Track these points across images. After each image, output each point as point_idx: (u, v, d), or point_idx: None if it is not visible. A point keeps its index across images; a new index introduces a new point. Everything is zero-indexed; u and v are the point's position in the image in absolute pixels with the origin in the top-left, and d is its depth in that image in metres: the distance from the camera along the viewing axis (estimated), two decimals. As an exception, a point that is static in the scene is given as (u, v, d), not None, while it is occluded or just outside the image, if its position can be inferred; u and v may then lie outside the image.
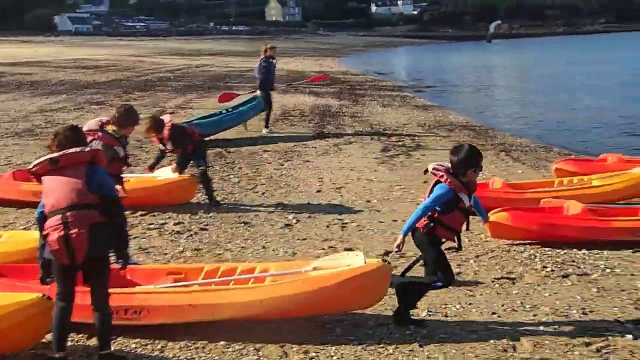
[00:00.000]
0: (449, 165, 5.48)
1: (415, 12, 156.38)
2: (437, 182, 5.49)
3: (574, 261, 7.46)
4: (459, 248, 5.80)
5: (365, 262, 5.42)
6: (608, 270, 7.12)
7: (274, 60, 15.99)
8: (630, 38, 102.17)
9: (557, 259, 7.42)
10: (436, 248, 5.58)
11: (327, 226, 8.79)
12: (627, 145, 15.41)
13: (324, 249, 7.86)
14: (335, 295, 5.41)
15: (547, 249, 7.71)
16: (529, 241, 7.99)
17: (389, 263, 5.69)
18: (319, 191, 10.74)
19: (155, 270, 6.31)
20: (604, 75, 38.20)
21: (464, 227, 5.70)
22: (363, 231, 8.60)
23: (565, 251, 7.73)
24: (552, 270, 7.08)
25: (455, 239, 5.67)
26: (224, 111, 16.40)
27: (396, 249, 5.50)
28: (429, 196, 5.51)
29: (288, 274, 5.76)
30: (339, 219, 9.07)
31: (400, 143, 15.03)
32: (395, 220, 8.95)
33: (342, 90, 28.24)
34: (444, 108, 23.22)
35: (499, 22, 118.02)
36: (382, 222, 8.97)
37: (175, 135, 9.35)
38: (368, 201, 10.07)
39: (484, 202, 6.39)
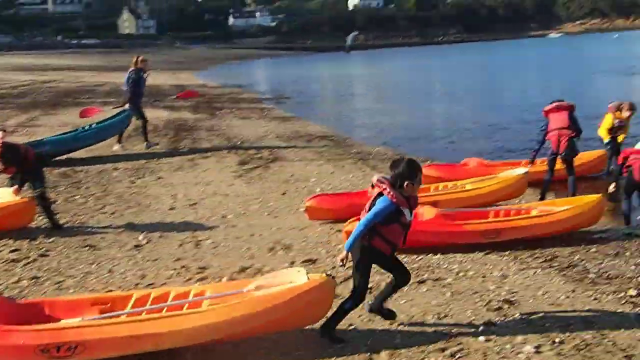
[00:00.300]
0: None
1: (273, 24, 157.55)
2: (379, 194, 5.40)
3: (429, 266, 7.52)
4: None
5: (308, 278, 5.33)
6: (462, 274, 7.22)
7: (145, 74, 15.36)
8: (477, 47, 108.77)
9: (414, 265, 7.42)
10: (369, 264, 5.53)
11: (180, 245, 8.39)
12: (479, 149, 16.00)
13: (176, 269, 7.49)
14: (285, 314, 5.26)
15: (403, 255, 7.72)
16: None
17: (333, 277, 5.55)
18: (172, 208, 10.25)
19: (77, 301, 5.78)
20: (456, 82, 40.10)
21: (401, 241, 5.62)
22: (218, 248, 8.27)
23: (421, 257, 7.80)
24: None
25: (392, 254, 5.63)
26: (83, 128, 15.54)
27: (340, 264, 5.40)
28: (369, 209, 5.41)
29: (230, 295, 5.50)
30: (193, 237, 8.69)
31: (258, 156, 14.76)
32: (252, 235, 8.70)
33: (199, 104, 27.51)
34: (303, 119, 23.23)
35: (357, 33, 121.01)
36: (239, 237, 8.67)
37: (5, 154, 8.59)
38: (224, 217, 9.72)
39: (359, 210, 6.31)
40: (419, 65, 64.62)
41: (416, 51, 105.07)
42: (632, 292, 6.58)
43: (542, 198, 10.47)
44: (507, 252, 7.93)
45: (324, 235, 8.78)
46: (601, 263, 7.54)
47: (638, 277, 7.05)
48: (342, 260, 5.36)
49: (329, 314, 5.54)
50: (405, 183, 5.35)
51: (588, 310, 6.14)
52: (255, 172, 12.98)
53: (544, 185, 10.73)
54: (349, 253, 5.35)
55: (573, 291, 6.64)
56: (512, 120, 21.62)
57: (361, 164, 13.91)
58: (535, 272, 7.24)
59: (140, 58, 15.28)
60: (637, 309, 6.17)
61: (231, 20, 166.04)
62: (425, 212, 8.67)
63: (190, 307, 5.43)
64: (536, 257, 7.78)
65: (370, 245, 5.43)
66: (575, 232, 8.69)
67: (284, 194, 11.14)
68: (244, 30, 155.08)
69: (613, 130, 11.83)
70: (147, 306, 5.50)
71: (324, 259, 7.77)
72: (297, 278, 5.39)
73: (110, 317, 5.36)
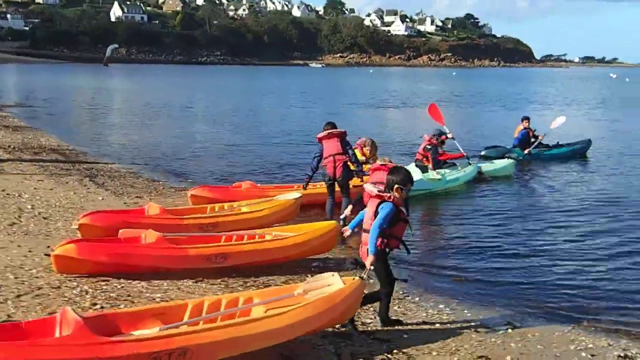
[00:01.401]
0: (381, 187, 6.39)
1: (27, 28, 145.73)
2: (381, 202, 6.28)
3: (129, 295, 6.73)
4: (407, 252, 6.56)
5: (343, 282, 6.16)
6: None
7: None
8: (242, 70, 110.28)
9: (112, 294, 6.63)
10: (385, 262, 6.47)
11: None
12: (222, 172, 15.69)
13: None
14: (334, 315, 6.04)
15: (103, 283, 6.77)
16: (99, 274, 7.25)
17: (363, 279, 6.22)
18: None
19: (138, 312, 5.64)
20: (216, 104, 39.66)
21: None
22: None
23: (122, 284, 7.02)
24: (102, 307, 6.28)
25: (402, 245, 6.45)
26: None
27: (371, 267, 6.15)
28: (374, 217, 6.25)
29: (285, 299, 6.11)
30: None
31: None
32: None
33: None
34: (38, 130, 21.18)
35: (116, 46, 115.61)
36: None
37: None
38: None
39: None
40: (181, 84, 63.72)
41: (180, 69, 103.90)
42: None
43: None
44: (219, 280, 7.47)
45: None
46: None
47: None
48: (371, 263, 6.11)
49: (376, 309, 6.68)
50: (396, 187, 6.28)
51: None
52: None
53: (328, 209, 11.17)
54: (374, 256, 6.11)
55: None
56: (263, 144, 21.61)
57: (87, 181, 12.75)
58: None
59: None
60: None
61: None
62: (148, 236, 8.05)
63: (243, 314, 5.88)
64: (249, 286, 7.36)
65: (382, 250, 6.31)
66: (312, 259, 8.71)
67: (14, 223, 9.47)
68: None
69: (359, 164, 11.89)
70: (221, 311, 5.83)
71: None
72: (334, 281, 6.21)
73: (209, 321, 5.65)
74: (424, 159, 14.62)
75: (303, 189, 11.22)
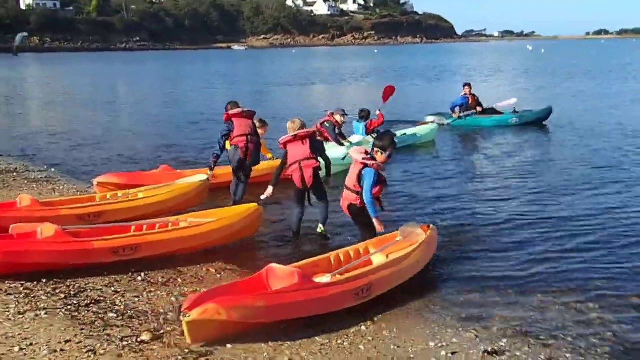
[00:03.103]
0: (365, 153, 7.51)
1: None
2: (364, 167, 7.42)
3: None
4: (382, 209, 7.72)
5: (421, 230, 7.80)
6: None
7: None
8: (164, 55, 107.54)
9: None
10: (368, 217, 7.51)
11: None
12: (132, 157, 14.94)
13: None
14: (431, 253, 7.83)
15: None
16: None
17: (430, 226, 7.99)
18: None
19: (306, 265, 6.90)
20: (133, 90, 38.21)
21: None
22: None
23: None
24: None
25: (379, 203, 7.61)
26: None
27: (382, 228, 7.57)
28: (358, 181, 7.48)
29: (392, 245, 7.59)
30: None
31: None
32: None
33: None
34: None
35: (26, 34, 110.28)
36: None
37: None
38: None
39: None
40: (96, 71, 61.54)
41: (97, 57, 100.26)
42: (145, 336, 5.52)
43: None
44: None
45: None
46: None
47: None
48: (380, 224, 7.54)
49: None
50: (376, 150, 7.42)
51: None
52: None
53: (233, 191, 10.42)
54: (379, 217, 7.53)
55: (68, 341, 5.32)
56: (182, 129, 20.85)
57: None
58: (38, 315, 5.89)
59: None
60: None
61: None
62: (45, 230, 7.42)
63: (367, 263, 7.25)
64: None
65: (363, 206, 7.51)
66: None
67: None
68: None
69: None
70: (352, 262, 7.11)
71: None
72: (416, 229, 7.70)
73: (363, 264, 7.11)
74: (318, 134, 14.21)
75: (210, 170, 10.46)
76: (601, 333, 6.01)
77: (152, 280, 7.16)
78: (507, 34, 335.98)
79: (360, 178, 7.46)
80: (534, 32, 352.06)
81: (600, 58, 76.24)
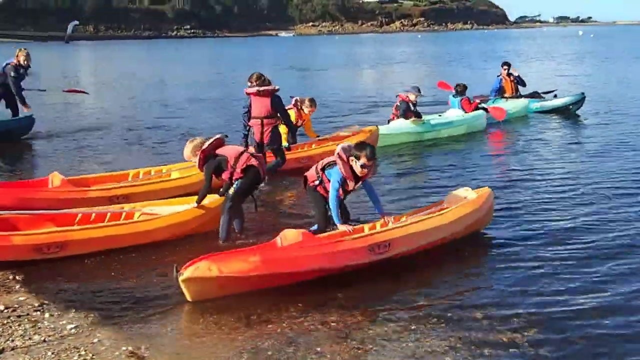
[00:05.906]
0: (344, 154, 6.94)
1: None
2: (334, 164, 6.95)
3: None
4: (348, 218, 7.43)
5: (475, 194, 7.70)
6: None
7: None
8: (214, 42, 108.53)
9: None
10: (323, 202, 7.14)
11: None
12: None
13: None
14: (479, 215, 7.52)
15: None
16: None
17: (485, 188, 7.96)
18: None
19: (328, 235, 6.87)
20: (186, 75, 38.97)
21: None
22: None
23: None
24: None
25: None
26: None
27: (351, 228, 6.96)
28: (322, 168, 7.10)
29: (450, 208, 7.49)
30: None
31: None
32: None
33: None
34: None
35: (77, 22, 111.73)
36: None
37: None
38: None
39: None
40: (144, 58, 62.39)
41: (149, 44, 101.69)
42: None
43: None
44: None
45: None
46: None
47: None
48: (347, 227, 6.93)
49: None
50: (351, 158, 6.86)
51: None
52: None
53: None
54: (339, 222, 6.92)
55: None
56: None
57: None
58: None
59: (24, 51, 14.18)
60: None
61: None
62: None
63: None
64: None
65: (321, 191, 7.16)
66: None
67: None
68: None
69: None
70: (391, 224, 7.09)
71: None
72: (467, 194, 7.70)
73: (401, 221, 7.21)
74: (394, 117, 14.48)
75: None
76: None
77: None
78: (562, 19, 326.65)
79: (328, 169, 7.05)
80: (590, 17, 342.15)
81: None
